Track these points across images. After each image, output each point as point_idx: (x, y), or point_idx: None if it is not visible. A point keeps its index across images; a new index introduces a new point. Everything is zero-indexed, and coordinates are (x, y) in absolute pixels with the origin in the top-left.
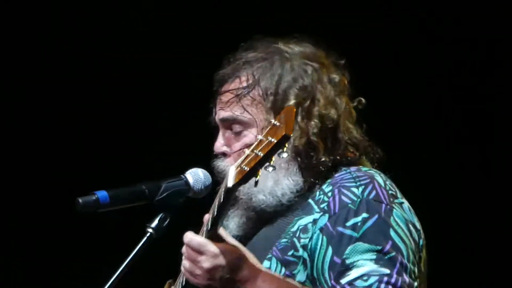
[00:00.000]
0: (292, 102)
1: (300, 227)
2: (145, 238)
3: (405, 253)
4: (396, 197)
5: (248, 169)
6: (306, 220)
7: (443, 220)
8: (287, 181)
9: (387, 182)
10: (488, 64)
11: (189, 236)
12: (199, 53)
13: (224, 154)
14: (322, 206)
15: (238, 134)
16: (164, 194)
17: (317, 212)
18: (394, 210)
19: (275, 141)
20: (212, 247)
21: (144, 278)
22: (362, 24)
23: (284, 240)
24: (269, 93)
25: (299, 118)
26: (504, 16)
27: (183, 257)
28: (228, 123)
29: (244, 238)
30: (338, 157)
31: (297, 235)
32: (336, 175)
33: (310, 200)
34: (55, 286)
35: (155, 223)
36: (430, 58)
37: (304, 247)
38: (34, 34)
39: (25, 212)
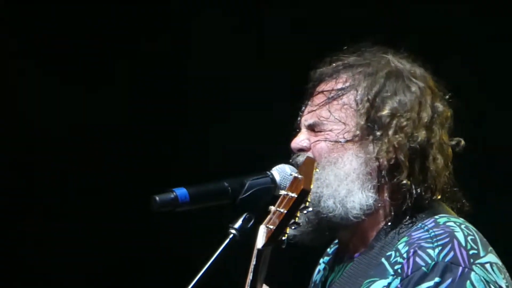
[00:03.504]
0: (386, 112)
1: None
2: (228, 240)
3: None
4: (479, 257)
5: (274, 228)
6: (380, 284)
7: None
8: (361, 195)
9: (469, 239)
10: None
11: None
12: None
13: (303, 150)
14: (396, 268)
15: (321, 131)
16: (249, 193)
17: (391, 275)
18: (473, 273)
19: (295, 196)
20: None
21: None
22: None
23: None
24: (366, 99)
25: (390, 132)
26: None
27: None
28: (313, 127)
29: (300, 240)
30: (421, 195)
31: None
32: (413, 233)
33: (383, 260)
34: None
35: (239, 223)
36: None
37: None
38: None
39: (96, 210)
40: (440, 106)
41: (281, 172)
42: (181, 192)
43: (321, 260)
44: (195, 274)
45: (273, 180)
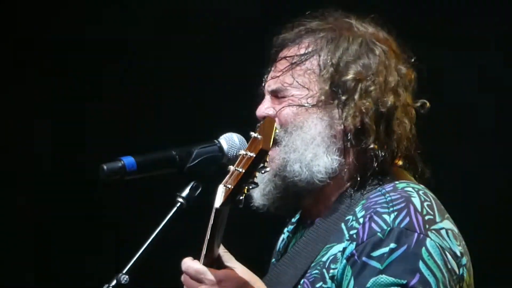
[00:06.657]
0: (350, 76)
1: (331, 257)
2: (175, 208)
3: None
4: (434, 222)
5: (232, 187)
6: (336, 248)
7: None
8: (326, 159)
9: (425, 204)
10: None
11: (187, 263)
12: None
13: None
14: (351, 233)
15: (284, 97)
16: (196, 161)
17: (347, 240)
18: (428, 239)
19: (254, 156)
20: (210, 275)
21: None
22: None
23: (315, 271)
24: (329, 64)
25: (356, 96)
26: None
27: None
28: (276, 93)
29: (268, 208)
30: (385, 159)
31: (326, 265)
32: (371, 196)
33: (342, 226)
34: (79, 257)
35: (186, 192)
36: None
37: (332, 278)
38: None
39: (44, 179)
40: (403, 69)
41: (229, 141)
42: (128, 160)
43: (285, 229)
44: (142, 243)
45: (220, 148)
